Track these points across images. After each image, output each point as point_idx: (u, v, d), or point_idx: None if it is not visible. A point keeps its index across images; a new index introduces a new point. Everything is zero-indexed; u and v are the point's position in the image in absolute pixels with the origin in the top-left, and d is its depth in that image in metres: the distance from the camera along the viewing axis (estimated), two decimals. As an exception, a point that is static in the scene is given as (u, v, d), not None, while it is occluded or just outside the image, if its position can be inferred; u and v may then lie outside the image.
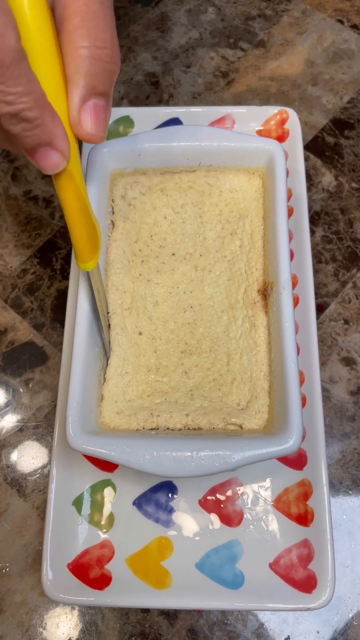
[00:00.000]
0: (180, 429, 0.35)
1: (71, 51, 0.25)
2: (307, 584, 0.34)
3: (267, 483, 0.38)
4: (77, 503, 0.37)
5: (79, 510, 0.37)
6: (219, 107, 0.47)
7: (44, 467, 0.41)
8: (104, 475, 0.38)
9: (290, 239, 0.42)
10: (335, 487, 0.40)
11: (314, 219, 0.48)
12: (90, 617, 0.38)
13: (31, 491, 0.40)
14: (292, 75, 0.53)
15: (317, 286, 0.45)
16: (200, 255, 0.40)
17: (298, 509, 0.36)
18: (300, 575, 0.35)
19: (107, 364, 0.36)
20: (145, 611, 0.38)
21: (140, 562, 0.36)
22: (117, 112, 0.47)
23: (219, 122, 0.47)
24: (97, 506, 0.37)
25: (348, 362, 0.43)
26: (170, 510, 0.37)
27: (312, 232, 0.47)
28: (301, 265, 0.41)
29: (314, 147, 0.50)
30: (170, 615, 0.38)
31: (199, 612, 0.38)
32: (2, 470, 0.41)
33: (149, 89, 0.53)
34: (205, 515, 0.37)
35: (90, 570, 0.35)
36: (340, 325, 0.44)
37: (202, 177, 0.41)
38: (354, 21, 0.55)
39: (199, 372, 0.37)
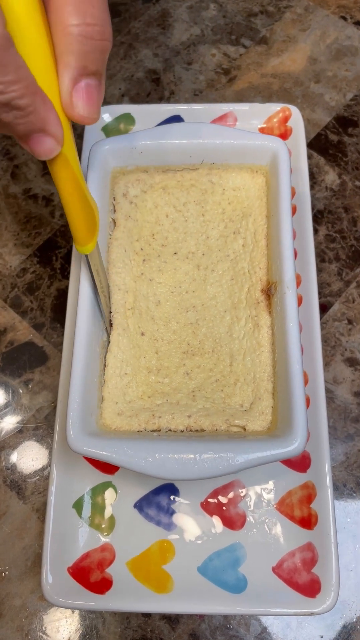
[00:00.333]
0: (182, 431, 0.34)
1: (60, 30, 0.24)
2: (311, 588, 0.34)
3: (270, 485, 0.37)
4: (78, 505, 0.37)
5: (80, 512, 0.37)
6: (221, 104, 0.46)
7: (44, 469, 0.41)
8: (104, 477, 0.38)
9: (294, 238, 0.42)
10: (339, 489, 0.40)
11: (317, 217, 0.47)
12: (91, 621, 0.37)
13: (31, 493, 0.40)
14: (295, 72, 0.53)
15: (321, 286, 0.45)
16: (203, 254, 0.39)
17: (301, 512, 0.36)
18: (304, 579, 0.34)
19: (108, 342, 0.36)
20: (147, 615, 0.37)
21: (141, 565, 0.35)
22: (118, 110, 0.46)
23: (220, 119, 0.46)
24: (97, 509, 0.37)
25: (352, 362, 0.43)
26: (172, 513, 0.37)
27: (316, 231, 0.46)
28: (304, 264, 0.41)
29: (317, 144, 0.50)
30: (172, 619, 0.37)
31: (201, 617, 0.37)
32: (2, 472, 0.41)
33: (150, 86, 0.53)
34: (208, 518, 0.37)
35: (90, 573, 0.35)
36: (344, 325, 0.44)
37: (204, 175, 0.40)
38: (357, 18, 0.55)
39: (201, 373, 0.37)
